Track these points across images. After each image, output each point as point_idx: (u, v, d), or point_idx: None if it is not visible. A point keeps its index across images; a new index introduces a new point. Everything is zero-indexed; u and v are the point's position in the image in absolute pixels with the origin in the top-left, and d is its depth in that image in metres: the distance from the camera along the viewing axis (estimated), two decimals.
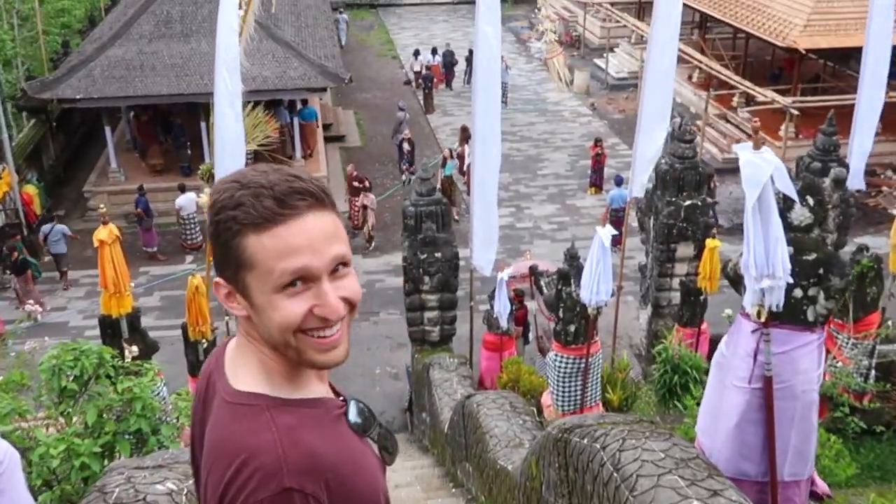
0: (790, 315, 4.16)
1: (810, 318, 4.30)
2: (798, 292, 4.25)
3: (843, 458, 5.93)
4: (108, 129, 19.01)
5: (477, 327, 12.26)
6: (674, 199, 12.01)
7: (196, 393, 1.69)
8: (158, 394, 7.28)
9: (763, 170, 3.86)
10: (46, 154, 20.87)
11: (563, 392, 8.82)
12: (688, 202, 11.97)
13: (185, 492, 3.44)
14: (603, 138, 21.31)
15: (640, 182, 12.61)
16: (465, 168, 18.34)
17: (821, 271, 4.31)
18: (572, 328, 8.34)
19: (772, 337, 4.17)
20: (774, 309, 4.04)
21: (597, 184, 20.29)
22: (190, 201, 17.20)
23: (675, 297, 12.46)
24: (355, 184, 18.35)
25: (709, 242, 10.10)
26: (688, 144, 12.02)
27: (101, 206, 8.19)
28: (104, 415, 5.19)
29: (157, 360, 9.03)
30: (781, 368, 4.19)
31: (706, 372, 10.07)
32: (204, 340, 9.78)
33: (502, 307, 10.50)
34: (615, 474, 3.39)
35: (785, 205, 4.21)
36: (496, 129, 11.42)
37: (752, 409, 4.22)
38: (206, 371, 1.66)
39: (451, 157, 19.69)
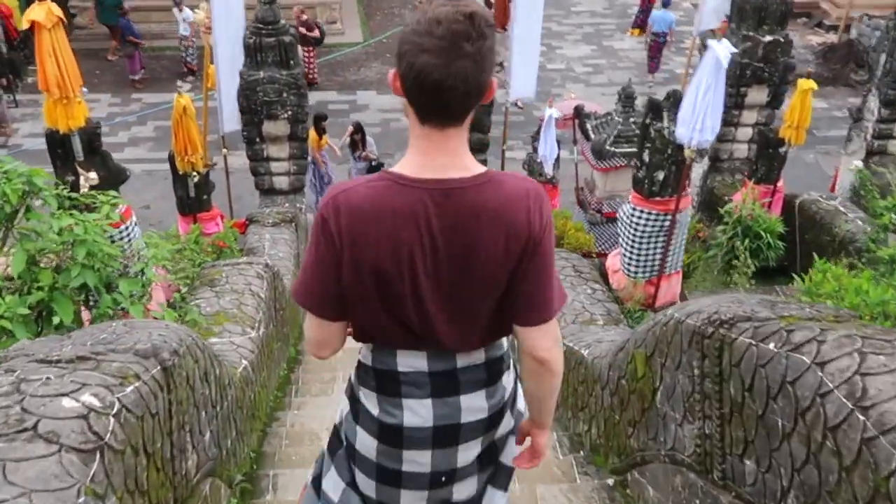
0: None
1: None
2: None
3: None
4: None
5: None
6: (751, 33, 10.13)
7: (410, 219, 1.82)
8: (126, 237, 5.81)
9: None
10: None
11: (639, 255, 7.22)
12: (768, 38, 10.10)
13: (115, 409, 1.98)
14: None
15: (710, 11, 10.74)
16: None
17: None
18: (660, 175, 6.53)
19: None
20: None
21: (641, 25, 18.30)
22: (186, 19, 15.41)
23: (738, 149, 10.90)
24: (302, 30, 14.73)
25: (802, 83, 8.33)
26: None
27: None
28: (38, 263, 3.77)
29: (149, 196, 7.35)
30: None
31: (781, 237, 8.65)
32: (194, 173, 8.23)
33: (549, 150, 8.85)
34: (858, 416, 1.92)
35: None
36: None
37: None
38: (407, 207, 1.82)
39: None
